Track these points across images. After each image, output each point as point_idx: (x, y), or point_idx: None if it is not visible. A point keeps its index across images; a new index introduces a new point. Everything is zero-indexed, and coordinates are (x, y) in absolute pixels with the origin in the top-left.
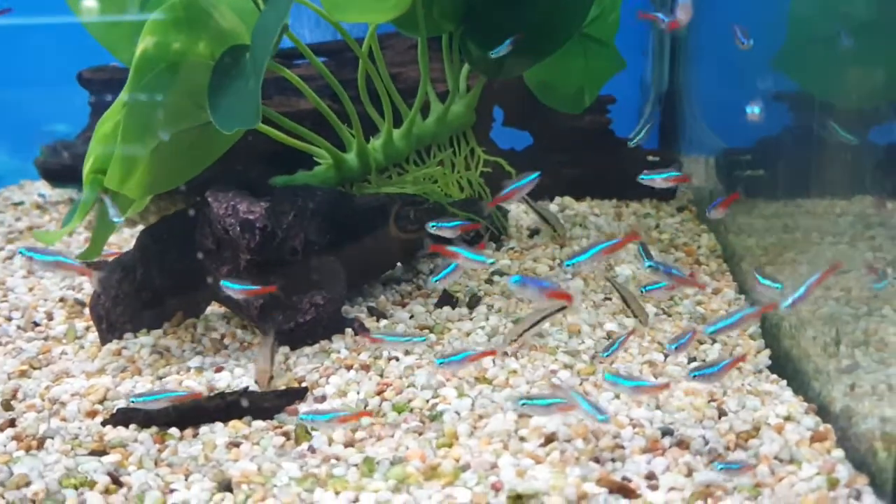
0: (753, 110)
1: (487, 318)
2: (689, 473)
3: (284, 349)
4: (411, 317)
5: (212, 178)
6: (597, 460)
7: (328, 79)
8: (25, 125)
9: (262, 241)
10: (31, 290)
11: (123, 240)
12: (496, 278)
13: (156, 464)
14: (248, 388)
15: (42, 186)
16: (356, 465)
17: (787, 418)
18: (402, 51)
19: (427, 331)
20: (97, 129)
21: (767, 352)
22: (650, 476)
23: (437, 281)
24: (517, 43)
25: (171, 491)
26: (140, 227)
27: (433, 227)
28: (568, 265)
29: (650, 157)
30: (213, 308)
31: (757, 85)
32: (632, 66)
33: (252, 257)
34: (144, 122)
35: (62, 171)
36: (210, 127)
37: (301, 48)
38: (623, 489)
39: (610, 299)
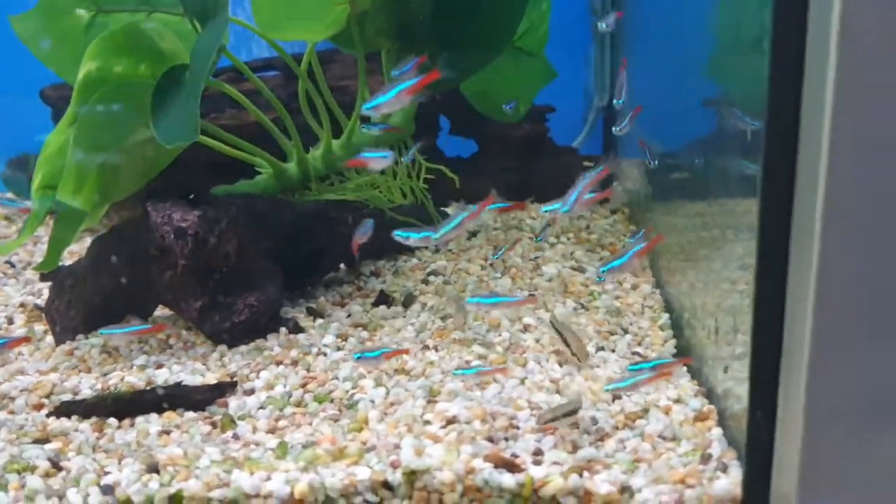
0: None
1: (419, 315)
2: (574, 450)
3: (222, 347)
4: (348, 315)
5: (160, 189)
6: (490, 440)
7: (265, 94)
8: (8, 135)
9: (195, 247)
10: None
11: (85, 248)
12: (431, 278)
13: (93, 450)
14: (181, 382)
15: (9, 198)
16: (272, 449)
17: (677, 401)
18: (350, 64)
19: (361, 328)
20: (44, 148)
21: (673, 342)
22: (537, 452)
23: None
24: (450, 57)
25: (106, 473)
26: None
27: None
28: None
29: (586, 163)
30: (161, 311)
31: (688, 92)
32: (575, 76)
33: (186, 262)
34: (93, 139)
35: (28, 184)
36: (154, 141)
37: (240, 66)
38: (508, 464)
39: (533, 296)
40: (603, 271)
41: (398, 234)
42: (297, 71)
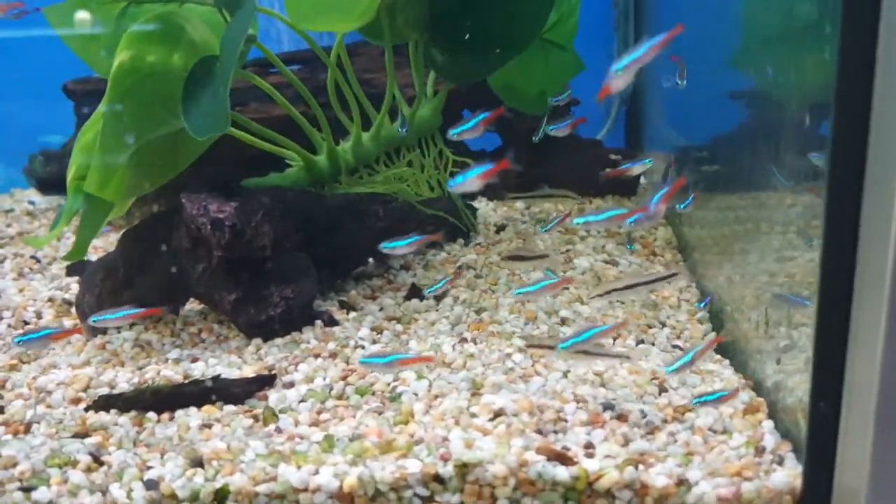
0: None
1: (452, 309)
2: (626, 443)
3: (257, 340)
4: (381, 309)
5: (189, 182)
6: (540, 432)
7: (297, 86)
8: (17, 136)
9: (232, 238)
10: (21, 290)
11: (109, 243)
12: (463, 272)
13: (134, 444)
14: (219, 375)
15: (31, 194)
16: (318, 443)
17: None
18: (375, 57)
19: (395, 321)
20: (79, 139)
21: (713, 335)
22: (588, 445)
23: None
24: (479, 49)
25: (148, 468)
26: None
27: None
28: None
29: (612, 156)
30: (192, 305)
31: (713, 84)
32: (599, 68)
33: (223, 254)
34: (121, 130)
35: (49, 180)
36: (184, 133)
37: (271, 58)
38: (561, 457)
39: (567, 289)
40: (630, 222)
41: None
42: (327, 62)
